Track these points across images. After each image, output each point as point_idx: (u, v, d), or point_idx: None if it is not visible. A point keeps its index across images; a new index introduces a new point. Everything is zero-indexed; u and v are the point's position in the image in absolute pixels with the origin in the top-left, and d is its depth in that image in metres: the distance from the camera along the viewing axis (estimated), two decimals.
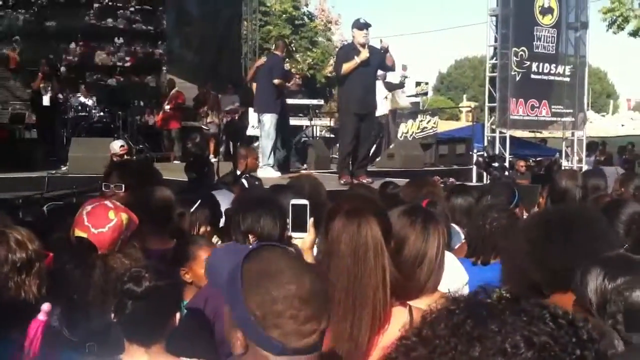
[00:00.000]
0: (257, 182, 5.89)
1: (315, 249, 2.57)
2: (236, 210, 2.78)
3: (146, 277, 1.97)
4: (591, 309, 1.81)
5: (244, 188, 5.43)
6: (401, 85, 14.56)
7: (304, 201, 2.57)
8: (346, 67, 8.18)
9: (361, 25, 8.31)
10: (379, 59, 8.35)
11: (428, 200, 3.46)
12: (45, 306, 1.90)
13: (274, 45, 10.71)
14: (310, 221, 2.55)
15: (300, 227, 2.52)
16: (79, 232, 2.25)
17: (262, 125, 9.37)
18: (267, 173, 8.71)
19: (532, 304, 0.90)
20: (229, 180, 6.18)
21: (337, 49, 34.31)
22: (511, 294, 0.94)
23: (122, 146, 8.83)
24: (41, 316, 1.89)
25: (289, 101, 11.08)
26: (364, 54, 8.10)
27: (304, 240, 2.54)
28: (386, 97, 13.68)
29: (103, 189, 3.70)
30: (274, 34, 31.07)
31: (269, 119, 9.30)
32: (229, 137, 11.37)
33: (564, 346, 0.84)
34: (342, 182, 8.16)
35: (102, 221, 2.25)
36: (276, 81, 9.32)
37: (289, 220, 2.57)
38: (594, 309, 1.80)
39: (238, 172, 6.55)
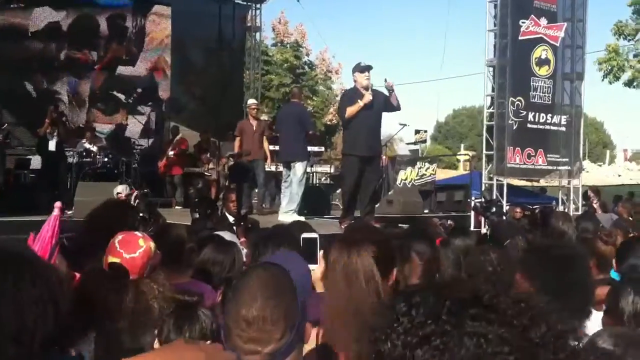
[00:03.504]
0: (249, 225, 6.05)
1: None
2: (256, 243, 2.94)
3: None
4: (623, 318, 2.04)
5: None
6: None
7: (315, 234, 2.75)
8: (350, 110, 8.28)
9: (362, 68, 8.42)
10: (383, 101, 8.43)
11: (441, 239, 3.61)
12: (58, 203, 2.11)
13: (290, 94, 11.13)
14: (320, 253, 2.72)
15: (311, 258, 2.69)
16: (112, 259, 2.43)
17: (294, 173, 9.54)
18: (292, 218, 8.55)
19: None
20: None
21: (337, 97, 35.07)
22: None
23: (118, 193, 8.92)
24: (55, 211, 2.11)
25: None
26: (367, 97, 8.21)
27: (315, 271, 2.69)
28: (385, 145, 13.95)
29: None
30: (275, 83, 31.63)
31: (302, 167, 9.54)
32: (234, 180, 11.56)
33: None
34: (342, 227, 8.21)
35: (133, 247, 2.45)
36: (310, 132, 9.77)
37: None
38: (626, 318, 2.04)
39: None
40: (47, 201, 10.91)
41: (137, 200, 8.50)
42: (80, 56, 16.58)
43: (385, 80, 8.55)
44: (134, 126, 16.75)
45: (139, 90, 17.48)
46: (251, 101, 12.66)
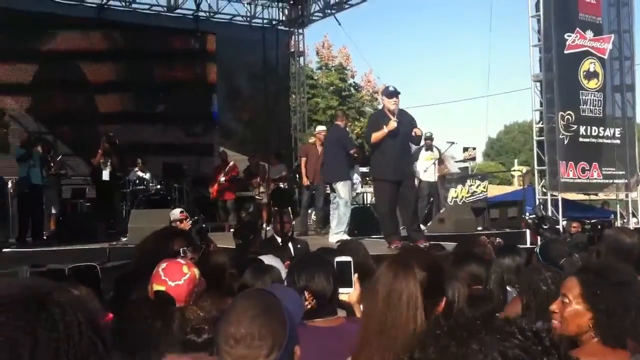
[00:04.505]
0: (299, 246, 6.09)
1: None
2: (291, 269, 2.93)
3: (205, 329, 2.17)
4: None
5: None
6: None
7: (348, 258, 2.73)
8: (375, 136, 8.28)
9: (390, 93, 8.40)
10: (410, 124, 8.36)
11: (485, 258, 3.53)
12: None
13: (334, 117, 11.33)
14: (354, 277, 2.70)
15: (346, 282, 2.67)
16: (157, 287, 2.45)
17: (338, 194, 9.56)
18: (343, 239, 8.45)
19: (503, 321, 1.06)
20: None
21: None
22: (482, 314, 1.10)
23: (181, 212, 9.04)
24: None
25: None
26: (392, 123, 8.15)
27: (350, 294, 2.68)
28: (434, 163, 13.86)
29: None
30: (321, 106, 31.76)
31: (343, 187, 9.53)
32: (276, 204, 11.72)
33: (532, 355, 1.00)
34: (392, 247, 8.15)
35: (178, 275, 2.47)
36: (352, 151, 9.87)
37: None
38: None
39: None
40: (103, 230, 11.24)
41: (189, 227, 8.63)
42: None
43: (415, 134, 8.38)
44: (184, 152, 17.02)
45: (189, 117, 17.75)
46: (320, 128, 12.79)
